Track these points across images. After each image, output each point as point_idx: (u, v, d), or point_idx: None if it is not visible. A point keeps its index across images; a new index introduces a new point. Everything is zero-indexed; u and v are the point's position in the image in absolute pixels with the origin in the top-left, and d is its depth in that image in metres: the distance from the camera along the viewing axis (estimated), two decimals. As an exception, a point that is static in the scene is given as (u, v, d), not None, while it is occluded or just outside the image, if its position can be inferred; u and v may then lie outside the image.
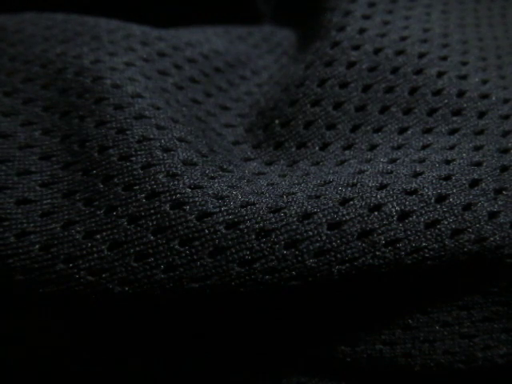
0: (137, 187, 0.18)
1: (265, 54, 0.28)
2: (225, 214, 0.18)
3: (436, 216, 0.18)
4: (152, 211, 0.18)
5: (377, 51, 0.24)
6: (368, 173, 0.19)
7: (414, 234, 0.18)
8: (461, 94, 0.23)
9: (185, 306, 0.18)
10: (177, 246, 0.17)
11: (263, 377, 0.20)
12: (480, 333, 0.20)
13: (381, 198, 0.18)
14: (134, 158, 0.19)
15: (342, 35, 0.24)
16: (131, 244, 0.17)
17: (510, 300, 0.20)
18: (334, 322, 0.20)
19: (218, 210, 0.18)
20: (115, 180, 0.18)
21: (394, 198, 0.18)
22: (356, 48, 0.24)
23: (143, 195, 0.18)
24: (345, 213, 0.18)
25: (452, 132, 0.22)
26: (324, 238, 0.18)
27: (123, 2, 0.31)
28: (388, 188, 0.18)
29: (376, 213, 0.18)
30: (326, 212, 0.18)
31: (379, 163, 0.20)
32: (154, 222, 0.18)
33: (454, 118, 0.22)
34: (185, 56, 0.24)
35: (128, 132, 0.19)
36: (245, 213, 0.18)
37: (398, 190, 0.18)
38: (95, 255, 0.17)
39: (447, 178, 0.19)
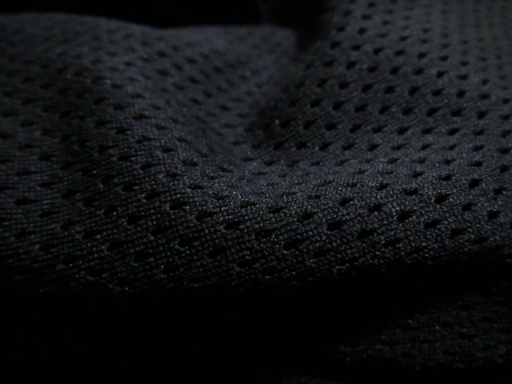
0: (137, 187, 0.18)
1: (265, 54, 0.28)
2: (225, 213, 0.18)
3: (436, 216, 0.18)
4: (152, 211, 0.18)
5: (377, 51, 0.24)
6: (368, 173, 0.19)
7: (413, 233, 0.18)
8: (461, 93, 0.23)
9: (185, 306, 0.18)
10: (177, 246, 0.17)
11: (263, 377, 0.20)
12: (480, 333, 0.20)
13: (381, 197, 0.18)
14: (133, 158, 0.19)
15: (341, 35, 0.24)
16: (131, 244, 0.17)
17: (510, 300, 0.20)
18: (333, 322, 0.20)
19: (217, 210, 0.18)
20: (115, 180, 0.18)
21: (394, 198, 0.18)
22: (356, 48, 0.24)
23: (143, 195, 0.18)
24: (345, 213, 0.18)
25: (452, 132, 0.22)
26: (324, 237, 0.18)
27: (123, 1, 0.31)
28: (388, 188, 0.18)
29: (376, 213, 0.18)
30: (326, 212, 0.18)
31: (379, 163, 0.20)
32: (154, 222, 0.18)
33: (454, 118, 0.22)
34: (185, 56, 0.24)
35: (128, 132, 0.19)
36: (245, 213, 0.18)
37: (398, 190, 0.18)
38: (95, 255, 0.17)
39: (447, 177, 0.19)
